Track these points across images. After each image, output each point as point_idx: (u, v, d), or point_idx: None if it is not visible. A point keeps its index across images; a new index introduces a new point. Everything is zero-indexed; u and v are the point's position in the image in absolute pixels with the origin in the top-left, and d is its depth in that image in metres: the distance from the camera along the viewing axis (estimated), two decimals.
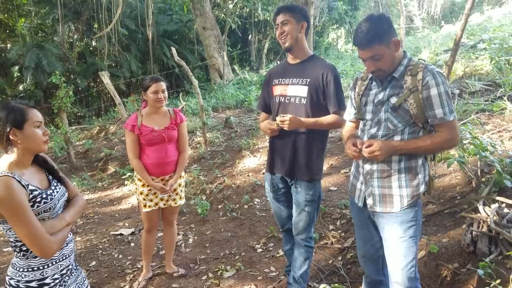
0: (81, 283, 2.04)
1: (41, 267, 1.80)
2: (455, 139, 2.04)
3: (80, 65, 14.28)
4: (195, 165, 6.60)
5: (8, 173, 1.67)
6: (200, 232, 4.65)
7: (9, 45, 14.17)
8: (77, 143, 9.98)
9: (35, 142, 1.77)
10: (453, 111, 1.99)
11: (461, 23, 3.83)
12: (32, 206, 1.70)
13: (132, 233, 4.86)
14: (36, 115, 1.78)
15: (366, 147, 2.04)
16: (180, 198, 3.45)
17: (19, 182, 1.68)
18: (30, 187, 1.72)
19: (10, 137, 1.71)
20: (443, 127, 2.00)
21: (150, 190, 3.29)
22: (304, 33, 2.67)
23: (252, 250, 4.04)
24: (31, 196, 1.71)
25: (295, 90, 2.66)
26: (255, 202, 5.06)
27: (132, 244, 4.55)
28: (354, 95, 2.31)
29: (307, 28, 2.67)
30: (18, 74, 13.31)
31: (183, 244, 4.35)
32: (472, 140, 3.57)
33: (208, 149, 7.08)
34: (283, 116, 2.54)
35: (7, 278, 1.82)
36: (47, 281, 1.81)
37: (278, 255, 3.84)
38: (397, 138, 2.07)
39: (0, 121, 1.71)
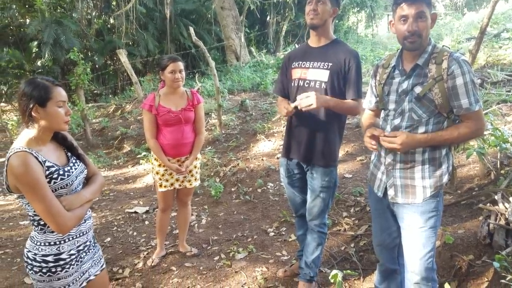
0: (97, 260, 2.08)
1: (57, 242, 1.84)
2: (481, 129, 2.00)
3: (98, 42, 14.30)
4: (210, 147, 6.62)
5: (26, 148, 1.69)
6: (213, 213, 4.69)
7: (28, 20, 14.23)
8: (94, 120, 10.09)
9: (56, 121, 1.78)
10: (479, 100, 1.94)
11: (488, 11, 3.71)
12: (49, 182, 1.73)
13: (147, 212, 4.92)
14: (60, 94, 1.79)
15: (389, 141, 2.00)
16: (195, 179, 3.46)
17: (36, 158, 1.69)
18: (47, 163, 1.74)
19: (32, 113, 1.72)
20: (469, 117, 1.96)
21: (166, 170, 3.31)
22: (332, 18, 2.64)
23: (264, 233, 4.07)
24: (47, 172, 1.73)
25: (316, 74, 2.61)
26: (269, 186, 5.06)
27: (147, 222, 4.61)
28: (375, 83, 2.25)
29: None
30: (37, 49, 13.39)
31: (196, 225, 4.39)
32: (492, 131, 3.50)
33: (223, 131, 7.09)
34: (306, 96, 2.40)
35: (25, 250, 1.86)
36: (63, 256, 1.85)
37: (290, 240, 3.85)
38: (421, 129, 2.02)
39: (24, 96, 1.72)
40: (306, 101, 2.39)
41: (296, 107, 2.50)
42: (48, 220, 1.71)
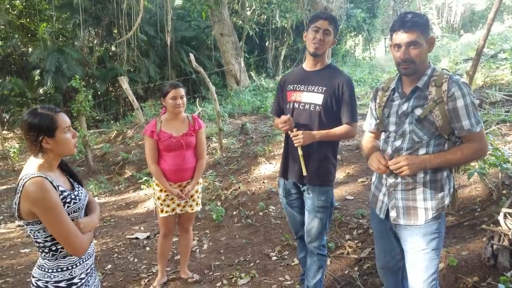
0: (97, 286, 2.08)
1: (70, 267, 1.85)
2: (484, 149, 2.01)
3: (100, 69, 14.50)
4: (211, 171, 6.62)
5: (41, 174, 1.71)
6: (214, 238, 4.66)
7: (30, 49, 14.47)
8: (95, 146, 10.12)
9: (67, 147, 1.83)
10: (480, 121, 1.96)
11: (484, 33, 3.78)
12: (63, 206, 1.75)
13: (148, 238, 4.88)
14: (64, 120, 1.81)
15: (394, 163, 2.02)
16: (197, 204, 3.46)
17: (51, 183, 1.72)
18: (61, 188, 1.78)
19: (43, 145, 1.75)
20: (471, 138, 1.97)
21: (167, 195, 3.31)
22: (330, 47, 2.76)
23: (267, 257, 4.02)
24: (61, 196, 1.76)
25: (311, 97, 2.66)
26: (270, 209, 5.04)
27: (148, 248, 4.57)
28: (375, 106, 2.28)
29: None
30: (39, 77, 13.57)
31: (197, 250, 4.35)
32: (493, 152, 3.51)
33: (224, 155, 7.11)
34: (295, 131, 2.59)
35: (33, 280, 1.84)
36: (75, 280, 1.86)
37: (293, 264, 3.81)
38: (422, 150, 2.04)
39: (31, 130, 1.74)
40: (296, 139, 2.58)
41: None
42: (66, 242, 1.73)
